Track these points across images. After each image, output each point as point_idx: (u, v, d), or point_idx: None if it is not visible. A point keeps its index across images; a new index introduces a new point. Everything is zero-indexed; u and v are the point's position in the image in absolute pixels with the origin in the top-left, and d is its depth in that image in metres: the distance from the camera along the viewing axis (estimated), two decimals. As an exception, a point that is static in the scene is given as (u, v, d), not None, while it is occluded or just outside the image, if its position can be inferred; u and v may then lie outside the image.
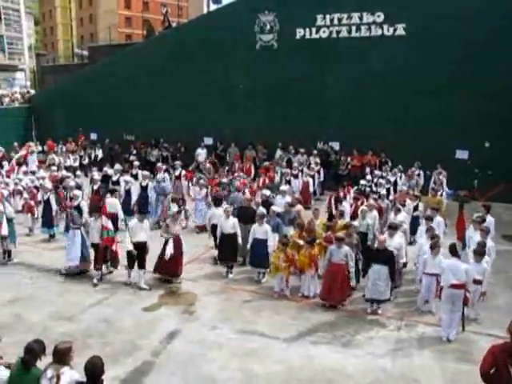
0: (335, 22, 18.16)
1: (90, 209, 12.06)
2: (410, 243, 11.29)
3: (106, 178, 15.29)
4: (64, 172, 16.98)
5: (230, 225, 10.47)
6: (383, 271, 8.65)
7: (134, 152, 21.10)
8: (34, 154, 21.28)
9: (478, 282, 8.28)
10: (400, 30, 17.21)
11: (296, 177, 16.17)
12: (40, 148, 23.09)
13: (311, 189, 16.17)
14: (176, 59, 20.88)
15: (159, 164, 16.41)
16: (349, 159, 18.01)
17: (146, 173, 15.12)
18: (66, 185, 14.31)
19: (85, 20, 66.23)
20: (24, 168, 18.07)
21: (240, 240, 10.54)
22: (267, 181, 15.26)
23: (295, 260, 9.56)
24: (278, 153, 19.24)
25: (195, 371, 7.07)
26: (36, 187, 15.08)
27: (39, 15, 79.16)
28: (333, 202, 12.80)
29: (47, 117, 25.55)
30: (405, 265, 9.93)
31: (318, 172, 17.03)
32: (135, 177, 15.19)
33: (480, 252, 8.35)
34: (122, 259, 10.40)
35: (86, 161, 21.32)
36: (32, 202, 13.85)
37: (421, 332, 8.29)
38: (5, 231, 11.11)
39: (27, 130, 26.00)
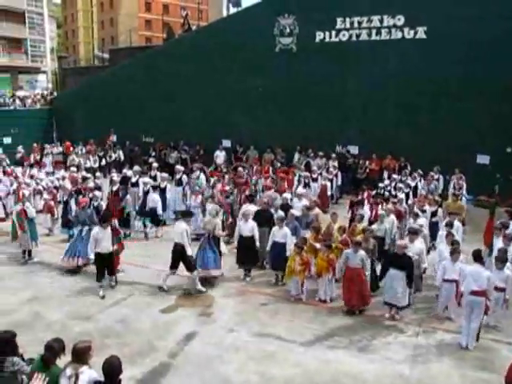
0: (355, 25, 18.09)
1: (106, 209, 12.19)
2: (429, 249, 11.15)
3: (125, 180, 15.42)
4: (84, 173, 17.21)
5: (249, 228, 10.41)
6: (400, 276, 8.56)
7: (153, 154, 21.26)
8: (50, 156, 21.57)
9: (500, 290, 8.14)
10: (421, 33, 17.04)
11: (315, 180, 16.12)
12: (60, 149, 23.38)
13: (329, 192, 16.11)
14: (196, 62, 21.00)
15: (178, 166, 16.50)
16: (367, 163, 17.89)
17: (165, 175, 15.26)
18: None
19: (106, 23, 67.05)
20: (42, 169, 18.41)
21: (258, 243, 10.49)
22: (286, 184, 15.24)
23: (311, 263, 9.54)
24: (297, 156, 19.21)
25: (212, 373, 7.08)
26: (56, 187, 15.29)
27: (61, 18, 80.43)
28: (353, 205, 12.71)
29: (68, 118, 25.90)
30: (424, 270, 9.80)
31: (336, 176, 16.94)
32: (154, 178, 15.29)
33: (502, 259, 8.21)
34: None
35: (106, 161, 21.52)
36: (52, 203, 14.05)
37: (439, 339, 8.17)
38: (31, 214, 11.55)
39: (48, 132, 26.40)
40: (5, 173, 17.20)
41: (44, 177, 17.06)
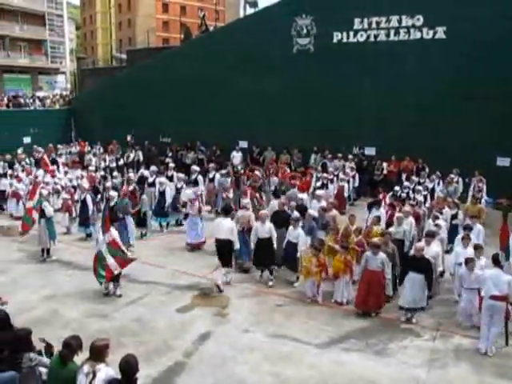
0: (373, 25, 17.98)
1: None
2: (447, 252, 11.02)
3: (141, 180, 15.55)
4: (102, 173, 17.40)
5: (266, 230, 10.31)
6: (419, 279, 8.47)
7: (170, 154, 21.37)
8: (63, 156, 21.81)
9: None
10: (440, 33, 16.87)
11: (331, 182, 16.07)
12: (76, 149, 23.62)
13: (346, 194, 16.03)
14: (213, 63, 21.07)
15: (194, 166, 16.58)
16: (384, 165, 17.75)
17: (181, 175, 15.33)
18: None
19: (123, 24, 67.67)
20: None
21: (275, 244, 10.42)
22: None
23: (327, 265, 9.49)
24: (313, 157, 19.15)
25: (226, 373, 7.08)
26: (73, 187, 15.47)
27: (80, 20, 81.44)
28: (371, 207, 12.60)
29: (86, 118, 26.21)
30: (442, 274, 9.68)
31: (353, 177, 16.84)
32: (170, 178, 15.36)
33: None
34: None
35: (125, 161, 21.70)
36: (70, 202, 14.21)
37: (457, 343, 8.04)
38: (49, 213, 11.72)
39: (66, 132, 26.74)
40: (24, 171, 17.51)
41: (62, 176, 17.28)
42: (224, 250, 10.16)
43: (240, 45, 20.26)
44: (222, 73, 20.89)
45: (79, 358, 5.26)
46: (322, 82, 18.74)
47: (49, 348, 5.72)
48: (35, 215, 12.16)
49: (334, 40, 18.78)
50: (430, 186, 14.89)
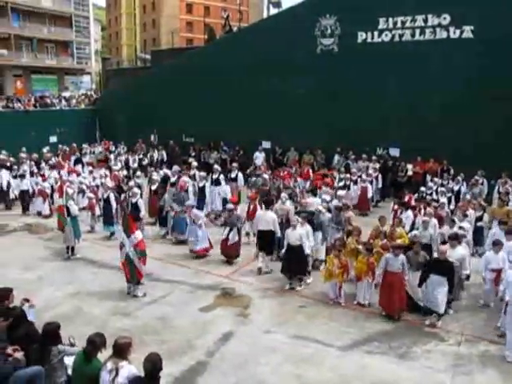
0: (398, 25, 17.75)
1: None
2: (473, 254, 10.81)
3: (164, 179, 15.68)
4: (125, 172, 17.61)
5: (296, 236, 9.88)
6: (442, 282, 8.34)
7: (193, 154, 21.48)
8: (87, 155, 22.12)
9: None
10: (467, 32, 16.56)
11: (355, 182, 15.93)
12: (100, 149, 23.93)
13: (369, 195, 15.87)
14: (236, 63, 21.11)
15: (216, 166, 16.66)
16: (408, 166, 17.51)
17: (203, 173, 15.39)
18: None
19: (148, 25, 68.42)
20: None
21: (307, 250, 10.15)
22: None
23: (349, 267, 9.41)
24: (336, 158, 19.02)
25: (248, 374, 7.08)
26: (97, 186, 15.68)
27: (106, 21, 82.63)
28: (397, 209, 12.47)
29: (110, 118, 26.54)
30: (468, 277, 9.50)
31: (377, 178, 16.66)
32: (193, 178, 15.45)
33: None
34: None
35: (150, 160, 21.92)
36: (94, 201, 14.41)
37: (483, 349, 7.86)
38: (74, 212, 11.97)
39: (91, 131, 27.12)
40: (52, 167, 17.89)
41: (87, 175, 17.54)
42: (265, 240, 10.63)
43: (263, 45, 20.24)
44: (246, 73, 20.90)
45: (102, 356, 5.34)
46: (346, 83, 18.60)
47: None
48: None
49: (359, 40, 18.61)
50: (456, 187, 14.64)
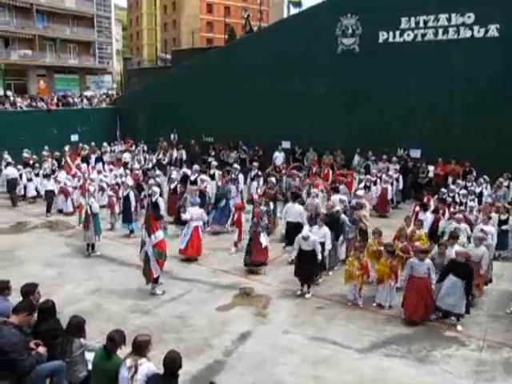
0: (421, 24, 17.50)
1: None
2: (496, 258, 10.61)
3: (184, 178, 15.77)
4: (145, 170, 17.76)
5: (309, 243, 9.58)
6: (459, 284, 8.22)
7: (213, 153, 21.54)
8: (108, 154, 22.32)
9: None
10: (493, 31, 16.24)
11: (374, 183, 15.79)
12: (120, 147, 24.14)
13: (389, 196, 15.71)
14: (256, 63, 21.08)
15: (235, 165, 16.68)
16: (429, 167, 17.26)
17: (221, 172, 15.46)
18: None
19: (169, 25, 68.93)
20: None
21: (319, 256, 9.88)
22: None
23: (369, 269, 9.31)
24: (356, 159, 18.86)
25: (265, 374, 7.06)
26: (117, 184, 15.84)
27: (127, 21, 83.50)
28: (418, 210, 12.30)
29: (131, 117, 26.79)
30: (490, 280, 9.33)
31: (397, 180, 16.47)
32: (212, 177, 15.50)
33: None
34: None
35: (170, 159, 22.06)
36: (114, 199, 14.55)
37: (506, 356, 7.65)
38: (96, 209, 12.06)
39: (112, 130, 27.40)
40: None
41: (108, 173, 17.73)
42: (294, 232, 10.60)
43: (284, 45, 20.17)
44: (266, 73, 20.85)
45: (122, 352, 5.37)
46: (367, 83, 18.43)
47: None
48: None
49: (380, 40, 18.42)
50: (478, 190, 14.38)
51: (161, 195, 13.56)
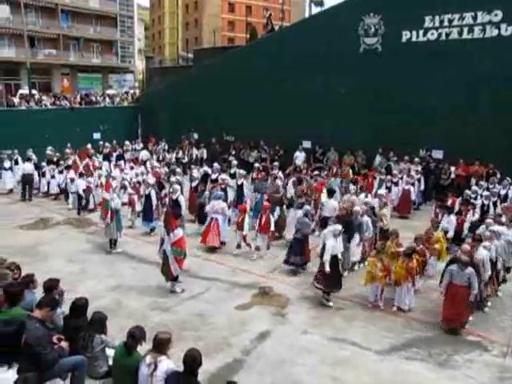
0: (445, 23, 17.22)
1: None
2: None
3: (205, 177, 15.84)
4: (166, 169, 17.87)
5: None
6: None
7: (233, 152, 21.58)
8: (129, 152, 22.52)
9: None
10: (521, 29, 15.92)
11: (396, 184, 15.62)
12: (141, 145, 24.32)
13: (413, 197, 15.53)
14: (278, 62, 21.04)
15: (256, 164, 16.66)
16: (452, 168, 17.00)
17: (242, 171, 15.42)
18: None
19: (190, 24, 69.34)
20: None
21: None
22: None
23: (391, 270, 9.22)
24: (378, 159, 18.66)
25: (283, 374, 7.05)
26: (139, 182, 15.97)
27: (149, 21, 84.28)
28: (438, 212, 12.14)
29: (152, 116, 26.96)
30: (504, 280, 9.18)
31: (419, 181, 16.25)
32: (233, 176, 15.52)
33: None
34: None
35: (190, 158, 22.12)
36: (135, 197, 14.67)
37: (532, 363, 7.50)
38: (117, 205, 12.22)
39: (134, 128, 27.66)
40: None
41: (129, 171, 17.89)
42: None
43: (305, 44, 20.07)
44: (287, 72, 20.80)
45: (142, 349, 5.43)
46: (390, 82, 18.21)
47: None
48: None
49: (403, 39, 18.18)
50: (503, 191, 14.11)
51: (182, 193, 13.63)
